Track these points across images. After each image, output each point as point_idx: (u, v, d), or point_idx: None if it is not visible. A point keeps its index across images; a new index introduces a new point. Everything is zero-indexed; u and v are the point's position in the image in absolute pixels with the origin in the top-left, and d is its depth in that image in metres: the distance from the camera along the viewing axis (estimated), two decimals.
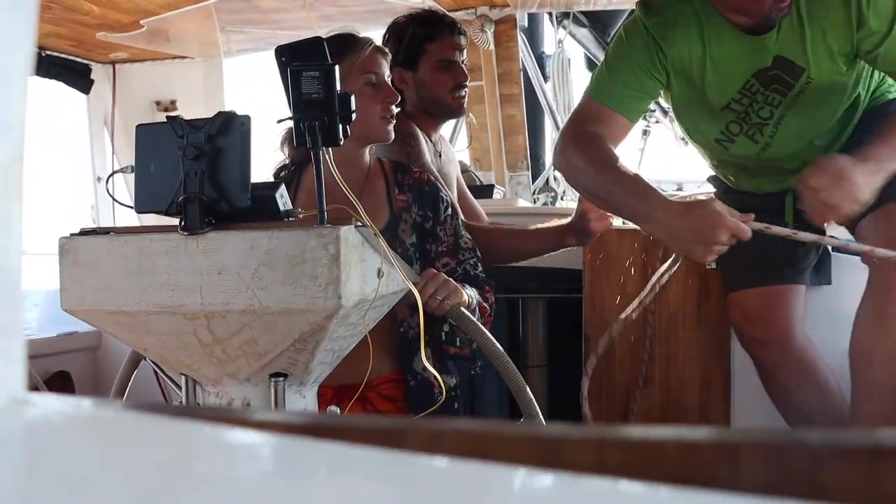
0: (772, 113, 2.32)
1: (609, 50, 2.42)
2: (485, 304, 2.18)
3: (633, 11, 2.42)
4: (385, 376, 2.19)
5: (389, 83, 2.25)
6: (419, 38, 2.73)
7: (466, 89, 2.80)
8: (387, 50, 2.35)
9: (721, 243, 1.96)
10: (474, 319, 1.98)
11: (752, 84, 2.28)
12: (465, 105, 2.82)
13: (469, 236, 2.31)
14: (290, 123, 2.28)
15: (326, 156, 1.69)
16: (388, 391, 2.20)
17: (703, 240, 1.96)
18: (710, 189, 2.72)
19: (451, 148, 3.07)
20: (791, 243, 2.35)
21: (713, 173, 2.68)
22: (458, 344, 2.21)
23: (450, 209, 2.29)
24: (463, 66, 2.79)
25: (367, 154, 2.29)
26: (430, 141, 2.79)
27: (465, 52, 2.82)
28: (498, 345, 1.94)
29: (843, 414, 2.40)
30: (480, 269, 2.27)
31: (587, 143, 2.20)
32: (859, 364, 2.26)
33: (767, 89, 2.28)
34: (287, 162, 2.36)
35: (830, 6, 2.17)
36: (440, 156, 2.81)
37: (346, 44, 2.22)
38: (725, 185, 2.63)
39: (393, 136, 2.25)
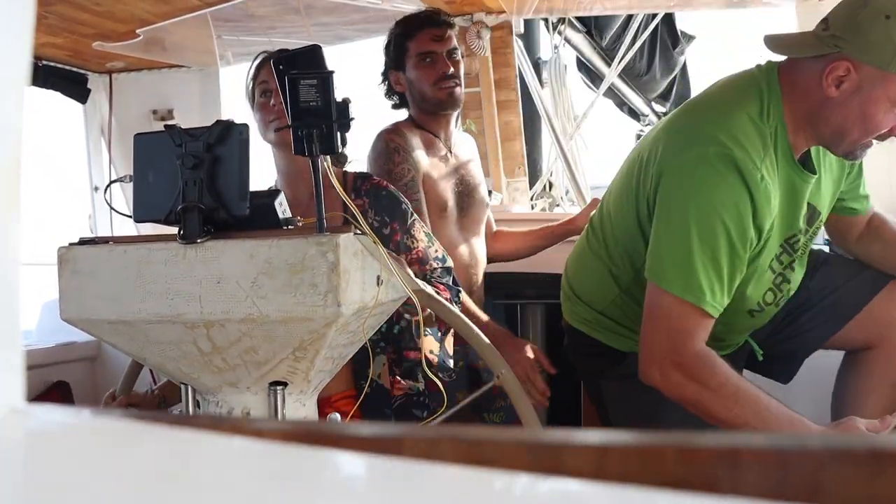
0: (794, 269, 2.14)
1: (711, 243, 1.89)
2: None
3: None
4: (341, 393, 2.17)
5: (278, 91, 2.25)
6: (400, 37, 2.75)
7: (456, 80, 2.71)
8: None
9: None
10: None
11: (797, 235, 2.08)
12: (455, 95, 2.71)
13: (439, 246, 2.27)
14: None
15: (325, 163, 1.69)
16: (346, 407, 2.17)
17: None
18: None
19: (472, 149, 3.02)
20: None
21: None
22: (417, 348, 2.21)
23: (415, 216, 2.26)
24: (451, 56, 2.73)
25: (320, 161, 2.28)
26: (440, 140, 2.78)
27: (452, 40, 2.75)
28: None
29: None
30: (448, 279, 2.24)
31: (700, 367, 1.91)
32: None
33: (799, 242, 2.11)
34: None
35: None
36: (450, 155, 2.80)
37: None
38: None
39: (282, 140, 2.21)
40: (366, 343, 2.13)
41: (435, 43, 2.72)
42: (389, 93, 2.84)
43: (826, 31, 1.90)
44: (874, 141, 1.95)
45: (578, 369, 2.40)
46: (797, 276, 2.18)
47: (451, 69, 2.71)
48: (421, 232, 2.24)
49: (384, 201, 2.22)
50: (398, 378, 2.21)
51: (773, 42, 1.99)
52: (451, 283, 2.24)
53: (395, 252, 2.17)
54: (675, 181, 1.94)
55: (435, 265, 2.22)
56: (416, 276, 2.15)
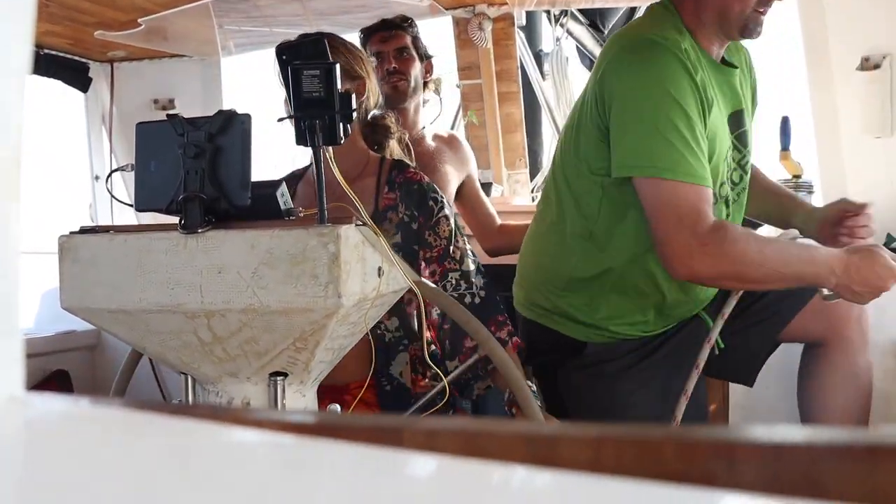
0: (741, 178, 2.27)
1: (666, 115, 2.00)
2: (510, 343, 2.15)
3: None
4: (359, 381, 2.12)
5: None
6: (362, 43, 3.12)
7: (400, 75, 3.02)
8: None
9: (887, 290, 2.03)
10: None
11: (733, 136, 2.20)
12: (398, 89, 3.02)
13: (463, 244, 2.22)
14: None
15: (327, 154, 1.69)
16: (364, 395, 2.14)
17: (876, 290, 2.02)
18: None
19: (450, 149, 3.09)
20: None
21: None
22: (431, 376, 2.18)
23: (444, 212, 2.20)
24: (399, 55, 3.06)
25: (358, 149, 2.25)
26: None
27: (402, 40, 3.08)
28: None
29: None
30: (487, 294, 2.19)
31: (723, 238, 1.98)
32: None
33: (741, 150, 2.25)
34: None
35: (741, 52, 2.29)
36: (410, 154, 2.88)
37: None
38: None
39: None
40: (386, 336, 2.13)
41: (383, 43, 3.08)
42: None
43: None
44: (762, 15, 2.10)
45: (530, 359, 2.40)
46: (745, 182, 2.29)
47: (394, 65, 3.03)
48: (446, 230, 2.19)
49: (414, 196, 2.19)
50: (420, 376, 2.20)
51: None
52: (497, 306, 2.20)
53: (420, 247, 2.16)
54: (621, 75, 2.06)
55: (449, 266, 2.17)
56: (433, 276, 2.13)
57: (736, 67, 2.20)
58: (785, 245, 2.11)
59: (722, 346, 2.30)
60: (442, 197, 2.24)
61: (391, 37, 3.08)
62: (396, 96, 3.01)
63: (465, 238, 2.27)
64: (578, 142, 2.18)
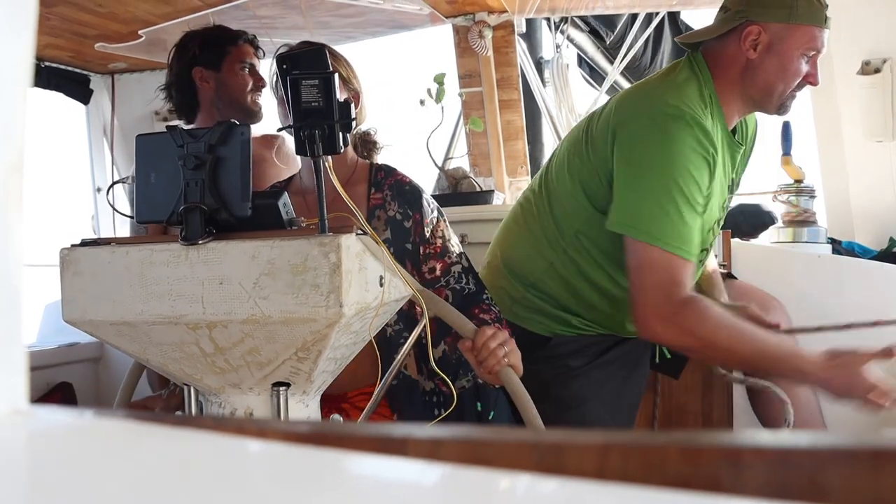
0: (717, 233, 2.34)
1: (671, 186, 2.03)
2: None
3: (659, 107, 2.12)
4: (362, 389, 2.16)
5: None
6: (224, 45, 2.91)
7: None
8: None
9: (874, 393, 1.98)
10: (523, 388, 1.93)
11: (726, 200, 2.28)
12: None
13: (457, 241, 2.27)
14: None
15: (326, 164, 1.69)
16: (363, 403, 2.15)
17: (860, 395, 1.99)
18: None
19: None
20: None
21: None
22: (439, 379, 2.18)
23: (438, 210, 2.26)
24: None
25: (350, 157, 2.28)
26: None
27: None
28: (537, 415, 1.91)
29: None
30: (474, 284, 2.21)
31: (694, 313, 2.02)
32: None
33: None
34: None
35: (749, 126, 2.36)
36: None
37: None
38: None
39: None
40: (387, 331, 2.14)
41: (256, 53, 2.94)
42: None
43: (728, 11, 2.20)
44: (797, 93, 2.20)
45: None
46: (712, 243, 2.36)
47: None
48: (442, 227, 2.24)
49: (407, 195, 2.22)
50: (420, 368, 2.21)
51: (688, 38, 2.29)
52: (481, 294, 2.20)
53: (420, 243, 2.18)
54: (639, 137, 2.09)
55: (451, 260, 2.20)
56: (432, 273, 2.17)
57: (742, 145, 2.27)
58: (761, 337, 2.06)
59: (669, 356, 2.42)
60: (432, 200, 2.28)
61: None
62: (260, 113, 2.87)
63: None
64: (574, 165, 2.24)
